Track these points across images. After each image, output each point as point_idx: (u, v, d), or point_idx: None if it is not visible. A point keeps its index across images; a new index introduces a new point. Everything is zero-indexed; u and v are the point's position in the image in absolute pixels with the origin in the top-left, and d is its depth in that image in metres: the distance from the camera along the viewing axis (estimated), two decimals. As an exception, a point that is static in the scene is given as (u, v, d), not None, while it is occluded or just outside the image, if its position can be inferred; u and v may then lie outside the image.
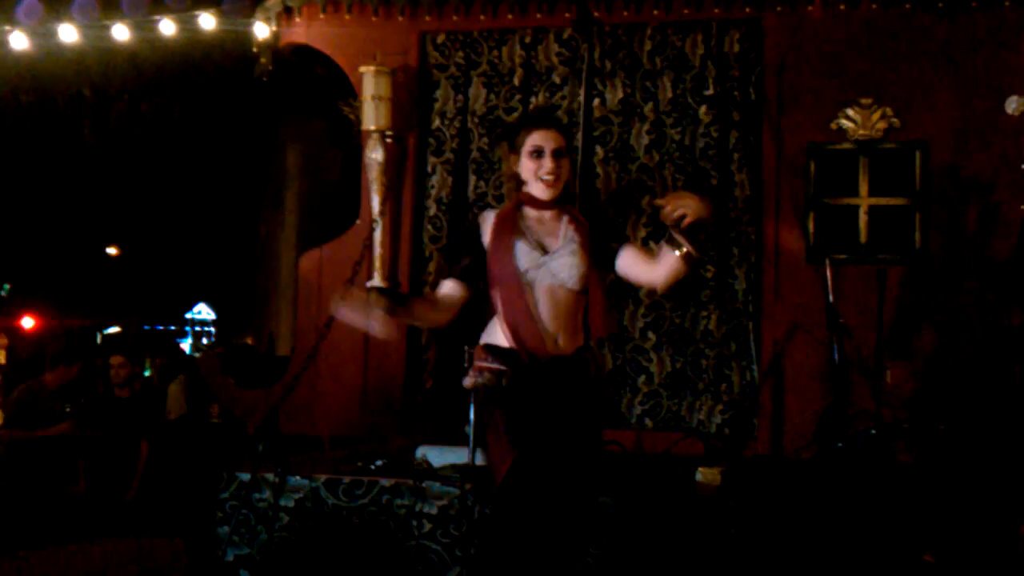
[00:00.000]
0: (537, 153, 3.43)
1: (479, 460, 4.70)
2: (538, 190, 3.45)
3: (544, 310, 3.40)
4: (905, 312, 5.49)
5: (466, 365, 3.59)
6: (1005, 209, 5.31)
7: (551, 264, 3.40)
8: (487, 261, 3.45)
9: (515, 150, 3.48)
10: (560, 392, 3.38)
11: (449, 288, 3.51)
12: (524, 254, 3.40)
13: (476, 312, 3.56)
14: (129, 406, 7.11)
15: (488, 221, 3.52)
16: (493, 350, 3.45)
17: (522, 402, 3.36)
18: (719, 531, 4.33)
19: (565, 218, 3.49)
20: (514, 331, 3.40)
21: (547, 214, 3.49)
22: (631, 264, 3.48)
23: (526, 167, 3.45)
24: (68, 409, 6.88)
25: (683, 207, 3.23)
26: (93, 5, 6.87)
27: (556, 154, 3.42)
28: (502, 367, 3.40)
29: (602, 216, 3.71)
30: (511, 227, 3.46)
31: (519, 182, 3.51)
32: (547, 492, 3.28)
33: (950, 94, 5.57)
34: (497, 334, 3.45)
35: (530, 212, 3.49)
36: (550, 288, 3.39)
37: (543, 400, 3.36)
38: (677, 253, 3.29)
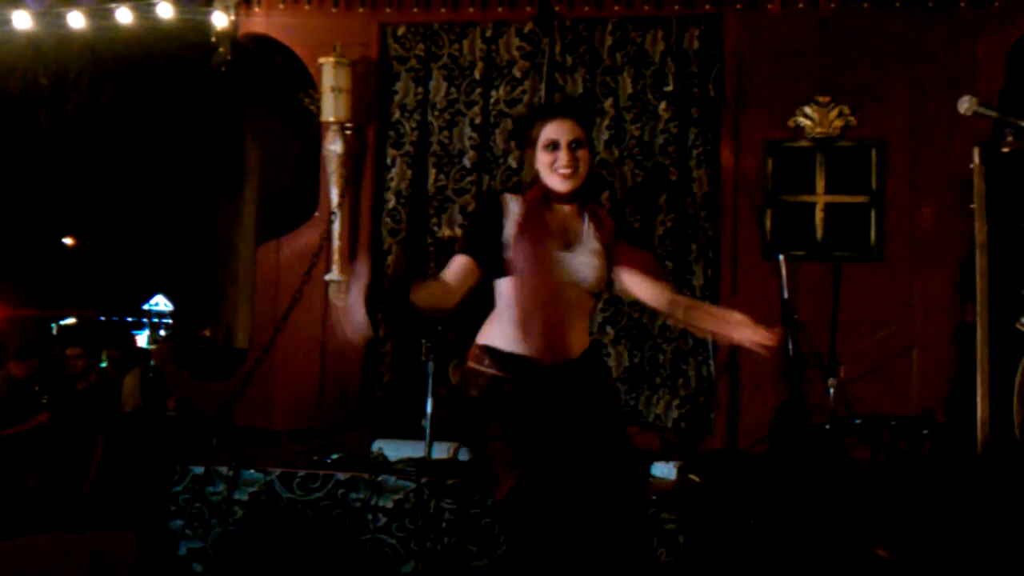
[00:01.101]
0: (552, 146, 3.27)
1: (472, 462, 4.64)
2: (555, 182, 3.27)
3: (559, 309, 3.21)
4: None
5: (457, 363, 3.48)
6: (958, 207, 5.36)
7: (571, 262, 3.23)
8: (511, 249, 3.23)
9: (530, 144, 3.32)
10: (571, 399, 3.19)
11: (463, 265, 3.26)
12: (550, 248, 3.22)
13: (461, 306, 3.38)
14: (85, 398, 7.04)
15: (513, 204, 3.30)
16: (493, 353, 3.27)
17: (525, 413, 3.16)
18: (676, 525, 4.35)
19: (586, 215, 3.31)
20: (526, 328, 3.21)
21: (566, 208, 3.31)
22: (636, 288, 3.32)
23: (541, 161, 3.28)
24: (45, 400, 6.83)
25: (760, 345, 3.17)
26: (48, -8, 6.78)
27: (573, 145, 3.25)
28: (501, 374, 3.21)
29: (624, 218, 3.58)
30: (542, 216, 3.27)
31: (535, 178, 3.32)
32: (564, 507, 3.09)
33: (906, 93, 5.64)
34: (496, 333, 3.28)
35: (553, 207, 3.30)
36: (566, 287, 3.21)
37: (551, 410, 3.17)
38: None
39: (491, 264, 3.26)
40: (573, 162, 3.24)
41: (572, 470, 3.11)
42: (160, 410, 7.81)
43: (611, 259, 3.28)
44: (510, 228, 3.25)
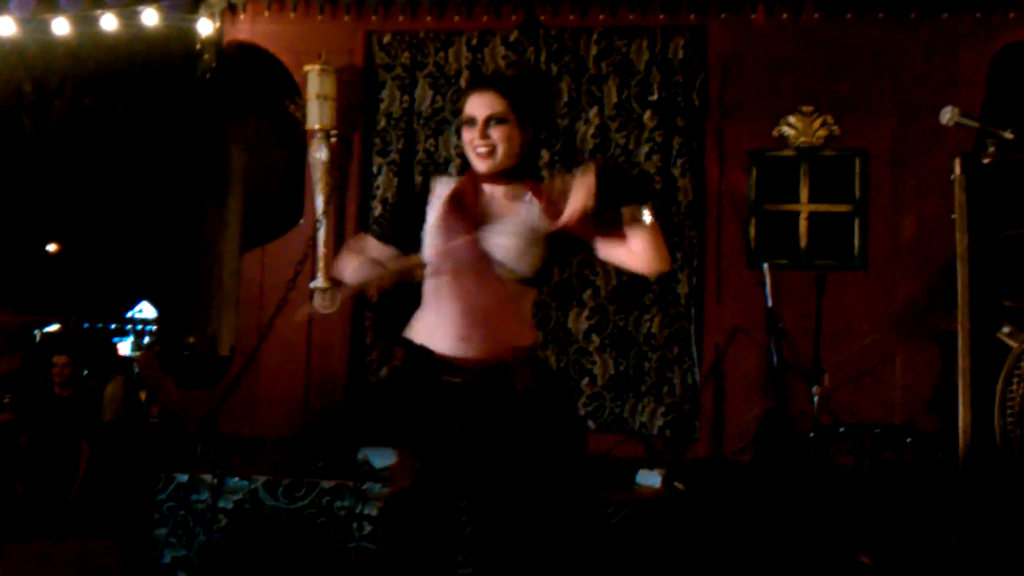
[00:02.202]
0: (470, 122, 2.97)
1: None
2: (474, 162, 2.97)
3: (477, 300, 2.88)
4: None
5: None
6: (940, 217, 5.40)
7: (489, 245, 2.89)
8: (429, 234, 2.95)
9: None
10: (479, 406, 2.85)
11: (368, 249, 3.02)
12: (463, 232, 2.90)
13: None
14: (70, 405, 7.00)
15: (441, 188, 3.03)
16: (407, 346, 2.97)
17: (421, 414, 2.88)
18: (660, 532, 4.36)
19: (527, 193, 2.97)
20: (438, 320, 2.91)
21: (498, 189, 2.99)
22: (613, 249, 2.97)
23: (463, 139, 3.00)
24: (7, 400, 6.77)
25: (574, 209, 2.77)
26: (32, -2, 6.76)
27: (491, 121, 2.93)
28: (406, 367, 2.93)
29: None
30: (463, 199, 2.96)
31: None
32: (445, 522, 2.89)
33: (889, 103, 5.67)
34: (416, 324, 2.99)
35: (483, 188, 2.99)
36: (488, 275, 2.87)
37: (450, 416, 2.85)
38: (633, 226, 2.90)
39: (406, 250, 3.00)
40: (486, 140, 2.93)
41: (463, 484, 2.88)
42: (143, 417, 7.78)
43: (557, 239, 2.90)
44: (432, 212, 2.99)
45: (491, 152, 2.94)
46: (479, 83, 3.12)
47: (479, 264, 2.88)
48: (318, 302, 6.06)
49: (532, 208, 2.95)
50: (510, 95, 2.97)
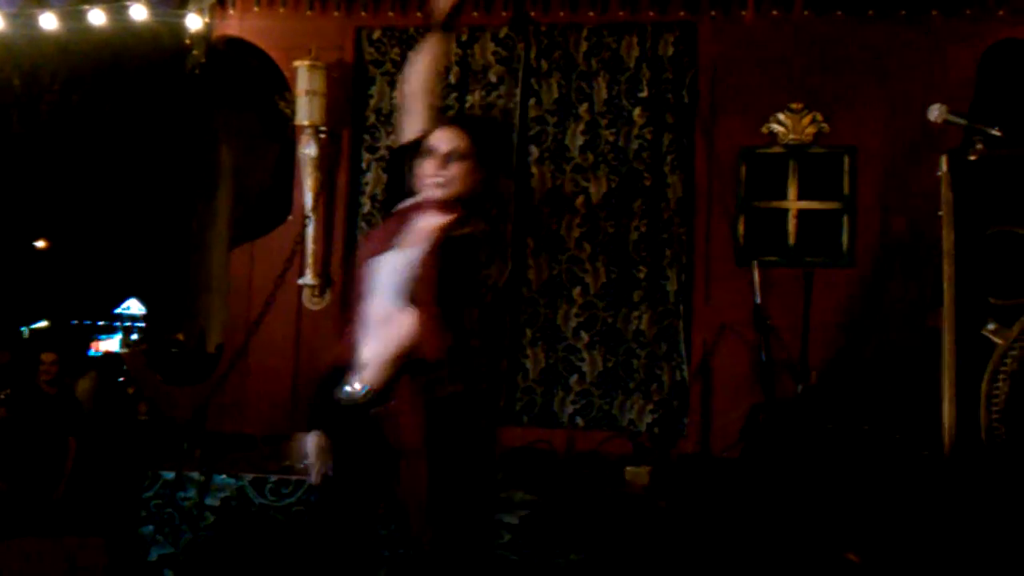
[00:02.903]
0: (431, 154, 3.14)
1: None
2: (426, 192, 3.15)
3: (371, 322, 3.05)
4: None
5: None
6: (927, 214, 5.40)
7: (383, 267, 3.06)
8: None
9: None
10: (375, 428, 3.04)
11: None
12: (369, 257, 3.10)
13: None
14: (57, 403, 6.98)
15: (407, 201, 3.22)
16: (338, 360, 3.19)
17: (338, 428, 3.12)
18: (647, 530, 4.36)
19: (443, 224, 3.08)
20: (353, 339, 3.12)
21: (432, 219, 3.12)
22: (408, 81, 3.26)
23: (423, 170, 3.16)
24: (4, 395, 6.77)
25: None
26: (19, -8, 6.73)
27: (451, 156, 3.11)
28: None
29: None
30: (388, 228, 3.17)
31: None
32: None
33: (878, 101, 5.68)
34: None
35: (420, 216, 3.15)
36: (392, 299, 3.02)
37: (354, 433, 3.09)
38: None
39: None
40: (445, 172, 3.11)
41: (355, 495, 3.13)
42: (131, 415, 7.76)
43: (444, 256, 3.01)
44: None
45: (447, 183, 3.11)
46: (450, 120, 3.35)
47: (378, 286, 3.05)
48: (306, 298, 6.06)
49: (431, 230, 3.06)
50: (473, 135, 3.17)
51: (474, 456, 3.19)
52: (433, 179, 3.13)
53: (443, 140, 3.15)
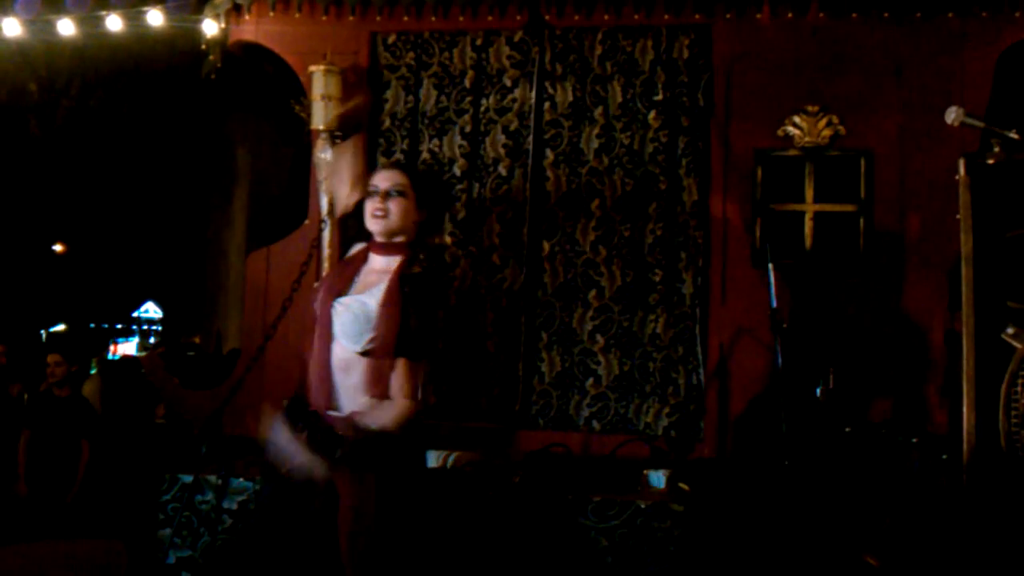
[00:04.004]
0: (372, 192, 3.51)
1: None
2: (369, 224, 3.52)
3: (330, 366, 3.41)
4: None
5: None
6: (946, 217, 5.38)
7: (341, 315, 3.38)
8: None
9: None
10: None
11: None
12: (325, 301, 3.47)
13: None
14: (68, 405, 7.01)
15: (352, 252, 3.62)
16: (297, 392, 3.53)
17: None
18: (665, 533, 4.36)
19: (393, 268, 3.43)
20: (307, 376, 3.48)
21: (379, 262, 3.50)
22: None
23: (365, 208, 3.54)
24: None
25: None
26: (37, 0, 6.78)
27: (392, 192, 3.47)
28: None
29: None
30: (343, 269, 3.51)
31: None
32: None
33: (895, 103, 5.65)
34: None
35: (370, 257, 3.53)
36: (339, 344, 3.39)
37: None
38: None
39: None
40: (384, 205, 3.46)
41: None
42: (132, 418, 7.79)
43: (405, 303, 3.31)
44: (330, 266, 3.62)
45: (383, 217, 3.48)
46: (390, 163, 3.97)
47: (327, 329, 3.39)
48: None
49: (384, 283, 3.38)
50: (412, 176, 3.56)
51: (410, 481, 3.52)
52: (373, 212, 3.48)
53: (383, 179, 3.53)
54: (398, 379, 3.30)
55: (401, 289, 3.31)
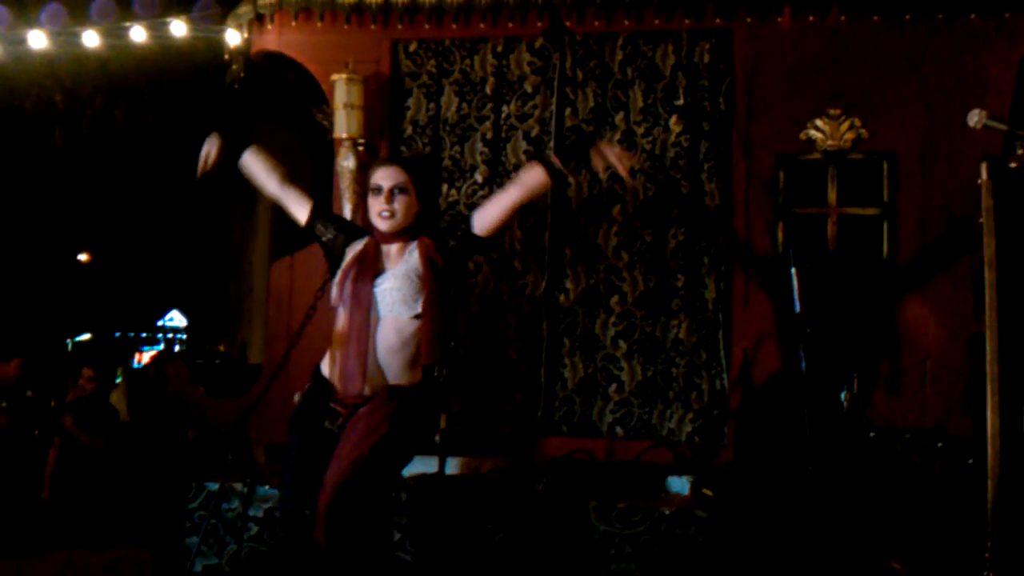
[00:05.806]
0: (376, 190, 3.66)
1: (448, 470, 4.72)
2: (377, 224, 3.66)
3: (368, 344, 3.53)
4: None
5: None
6: (969, 220, 5.35)
7: (378, 292, 3.55)
8: (336, 283, 3.64)
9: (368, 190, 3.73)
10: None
11: (301, 195, 3.89)
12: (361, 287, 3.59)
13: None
14: (95, 415, 7.07)
15: (358, 244, 3.69)
16: (316, 372, 3.72)
17: (305, 434, 3.63)
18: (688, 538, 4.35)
19: (412, 246, 3.66)
20: (333, 357, 3.63)
21: (393, 247, 3.66)
22: (488, 208, 3.75)
23: (370, 205, 3.68)
24: (3, 404, 6.85)
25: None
26: (62, 12, 6.85)
27: (395, 191, 3.61)
28: (311, 391, 3.70)
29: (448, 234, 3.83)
30: (366, 260, 3.61)
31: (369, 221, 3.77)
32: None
33: (917, 106, 5.63)
34: (327, 355, 3.74)
35: (381, 247, 3.67)
36: (382, 320, 3.55)
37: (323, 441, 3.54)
38: (542, 168, 3.70)
39: (316, 217, 3.81)
40: (391, 206, 3.62)
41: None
42: (151, 425, 7.85)
43: (436, 274, 3.58)
44: (344, 262, 3.67)
45: (391, 216, 3.65)
46: (388, 159, 4.11)
47: (372, 309, 3.55)
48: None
49: (413, 258, 3.64)
50: (411, 170, 3.71)
51: (417, 438, 3.75)
52: (380, 213, 3.64)
53: (386, 177, 3.66)
54: None
55: (431, 265, 3.59)
